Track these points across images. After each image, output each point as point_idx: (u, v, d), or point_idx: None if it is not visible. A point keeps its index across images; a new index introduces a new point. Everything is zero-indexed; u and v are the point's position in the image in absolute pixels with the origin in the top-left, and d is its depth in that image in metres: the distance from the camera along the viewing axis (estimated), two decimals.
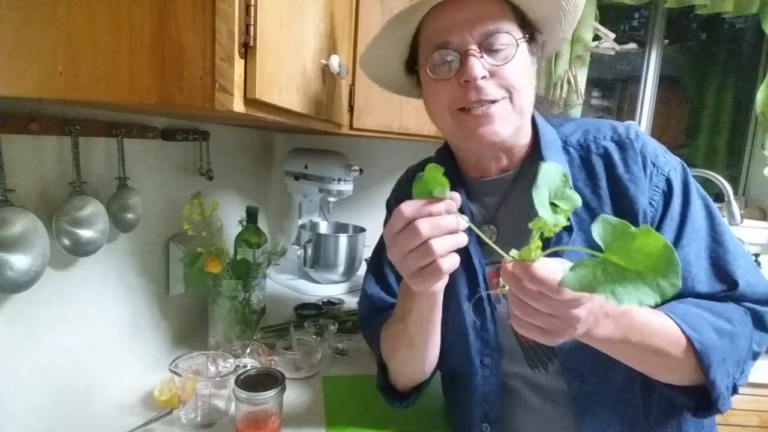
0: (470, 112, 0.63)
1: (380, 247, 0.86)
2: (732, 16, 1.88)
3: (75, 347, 0.72)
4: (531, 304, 0.46)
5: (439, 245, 0.51)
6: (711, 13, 1.85)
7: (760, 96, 1.83)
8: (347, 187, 1.45)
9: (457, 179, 0.74)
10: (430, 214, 0.51)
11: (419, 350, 0.71)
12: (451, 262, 0.52)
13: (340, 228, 1.64)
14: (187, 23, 0.46)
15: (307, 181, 1.50)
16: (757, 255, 1.81)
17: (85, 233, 0.68)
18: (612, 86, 2.29)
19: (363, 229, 1.55)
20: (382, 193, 0.90)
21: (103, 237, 0.70)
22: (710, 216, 0.65)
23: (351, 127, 1.16)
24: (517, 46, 0.62)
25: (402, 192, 0.85)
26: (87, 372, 0.75)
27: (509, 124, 0.64)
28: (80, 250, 0.67)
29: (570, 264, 0.41)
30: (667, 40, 2.13)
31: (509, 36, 0.61)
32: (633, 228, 0.38)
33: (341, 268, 1.47)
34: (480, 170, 0.72)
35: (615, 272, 0.38)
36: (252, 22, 0.48)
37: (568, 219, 0.45)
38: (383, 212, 0.87)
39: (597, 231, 0.39)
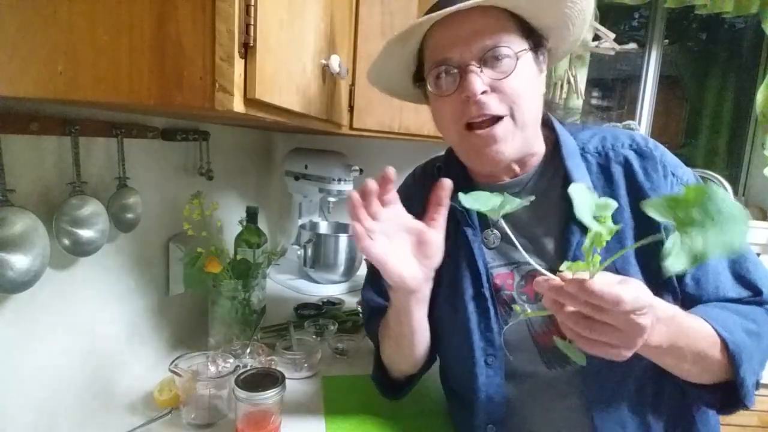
0: (475, 131, 0.63)
1: None
2: (732, 16, 1.88)
3: (75, 347, 0.72)
4: (596, 317, 0.46)
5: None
6: (711, 13, 1.85)
7: (760, 96, 1.83)
8: (347, 187, 1.45)
9: (465, 181, 0.74)
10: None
11: (400, 344, 0.73)
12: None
13: (340, 228, 1.63)
14: (187, 23, 0.46)
15: (307, 181, 1.50)
16: (757, 255, 1.81)
17: (85, 233, 0.68)
18: (612, 86, 2.29)
19: None
20: None
21: (103, 237, 0.70)
22: None
23: (351, 127, 1.16)
24: (518, 59, 0.62)
25: (409, 192, 0.84)
26: (87, 372, 0.75)
27: (513, 143, 0.64)
28: (80, 250, 0.67)
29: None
30: (667, 40, 2.13)
31: (509, 49, 0.62)
32: (678, 193, 0.39)
33: (341, 268, 1.47)
34: (490, 178, 0.73)
35: (700, 233, 0.38)
36: (252, 22, 0.48)
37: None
38: None
39: (655, 214, 0.40)
